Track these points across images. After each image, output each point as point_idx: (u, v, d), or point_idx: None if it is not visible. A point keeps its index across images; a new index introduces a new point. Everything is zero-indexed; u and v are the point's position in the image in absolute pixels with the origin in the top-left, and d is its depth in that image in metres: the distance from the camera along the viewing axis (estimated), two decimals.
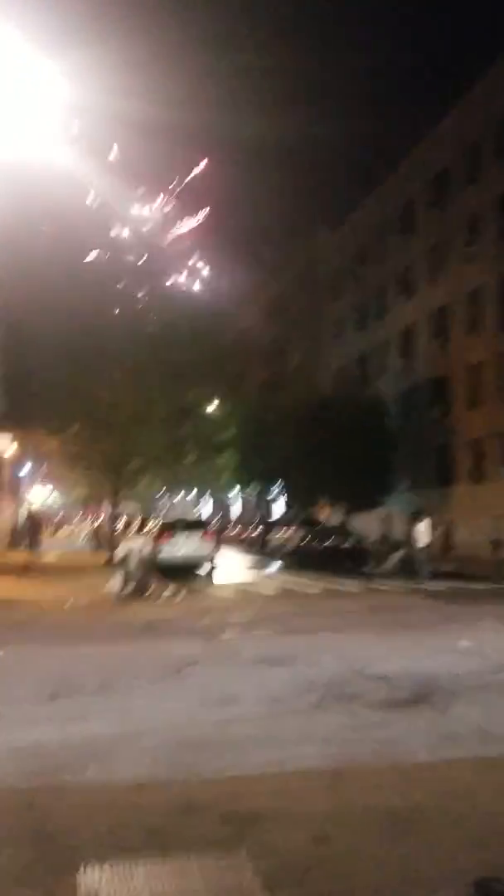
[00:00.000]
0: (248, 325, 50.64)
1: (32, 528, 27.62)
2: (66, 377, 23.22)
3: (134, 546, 16.57)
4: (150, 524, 24.64)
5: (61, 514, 71.17)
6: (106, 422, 24.20)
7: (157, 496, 51.11)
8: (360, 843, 3.83)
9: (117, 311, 24.34)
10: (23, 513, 35.58)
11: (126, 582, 16.01)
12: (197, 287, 27.50)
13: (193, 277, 27.40)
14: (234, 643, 9.70)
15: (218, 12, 60.27)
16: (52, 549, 30.54)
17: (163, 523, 23.07)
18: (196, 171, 26.54)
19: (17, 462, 35.34)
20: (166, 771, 5.01)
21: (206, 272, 27.57)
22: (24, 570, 21.01)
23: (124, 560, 16.31)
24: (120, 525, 28.97)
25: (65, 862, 3.61)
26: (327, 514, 36.59)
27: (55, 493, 61.75)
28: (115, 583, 16.60)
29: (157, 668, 8.02)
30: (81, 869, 3.52)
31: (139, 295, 25.24)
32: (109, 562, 22.16)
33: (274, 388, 45.70)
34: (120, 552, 17.00)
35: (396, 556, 22.32)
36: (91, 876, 3.48)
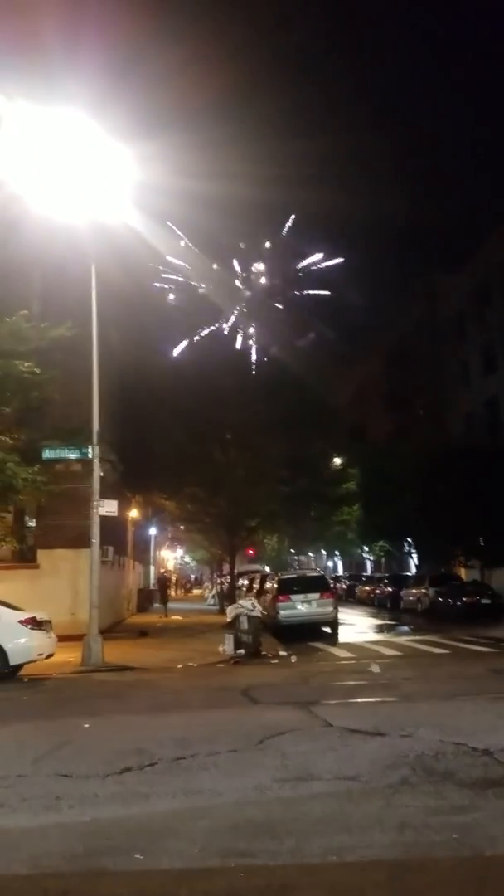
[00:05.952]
0: (367, 375, 49.98)
1: (162, 589, 28.59)
2: (178, 439, 23.63)
3: (244, 606, 16.26)
4: (270, 583, 24.21)
5: (194, 575, 72.22)
6: (217, 481, 24.29)
7: (292, 555, 50.76)
8: None
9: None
10: (153, 575, 36.51)
11: (237, 644, 15.71)
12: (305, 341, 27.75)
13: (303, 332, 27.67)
14: (330, 711, 9.11)
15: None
16: (179, 609, 30.81)
17: (280, 582, 22.31)
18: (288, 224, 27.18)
19: (141, 526, 36.16)
20: (215, 858, 4.62)
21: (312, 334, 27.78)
22: (143, 634, 21.14)
23: (235, 621, 16.04)
24: (244, 584, 28.79)
25: None
26: (463, 570, 34.70)
27: (186, 555, 62.84)
28: (226, 645, 16.31)
29: (239, 739, 7.61)
30: None
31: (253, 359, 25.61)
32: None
33: (398, 438, 44.51)
34: (230, 613, 16.75)
35: None
36: None
